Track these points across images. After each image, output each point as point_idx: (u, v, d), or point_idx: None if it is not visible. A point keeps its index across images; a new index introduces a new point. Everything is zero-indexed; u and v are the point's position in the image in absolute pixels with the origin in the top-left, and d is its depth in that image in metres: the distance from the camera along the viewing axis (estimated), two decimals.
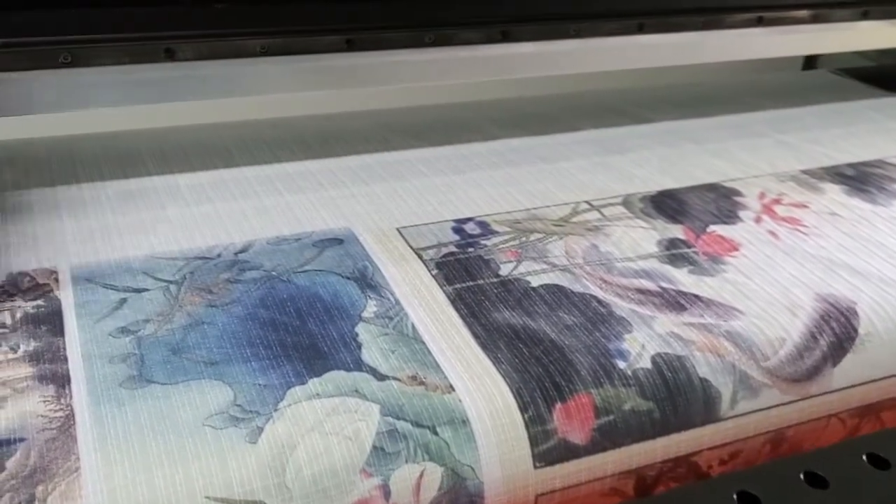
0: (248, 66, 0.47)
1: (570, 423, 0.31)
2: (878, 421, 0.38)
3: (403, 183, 0.49)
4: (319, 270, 0.39)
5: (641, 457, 0.32)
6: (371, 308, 0.36)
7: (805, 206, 0.46)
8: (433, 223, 0.44)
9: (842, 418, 0.37)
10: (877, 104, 0.65)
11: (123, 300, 0.36)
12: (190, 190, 0.48)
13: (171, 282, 0.38)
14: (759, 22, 0.58)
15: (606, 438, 0.32)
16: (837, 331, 0.36)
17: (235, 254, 0.40)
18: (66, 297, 0.36)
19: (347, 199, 0.47)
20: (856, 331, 0.37)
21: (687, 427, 0.33)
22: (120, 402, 0.30)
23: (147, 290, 0.37)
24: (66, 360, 0.32)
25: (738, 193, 0.48)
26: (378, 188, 0.48)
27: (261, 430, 0.29)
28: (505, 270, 0.39)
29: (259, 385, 0.31)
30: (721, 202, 0.47)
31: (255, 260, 0.40)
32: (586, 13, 0.54)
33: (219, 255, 0.40)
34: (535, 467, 0.31)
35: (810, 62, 0.80)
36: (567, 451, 0.31)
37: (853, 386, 0.36)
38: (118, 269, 0.39)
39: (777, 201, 0.47)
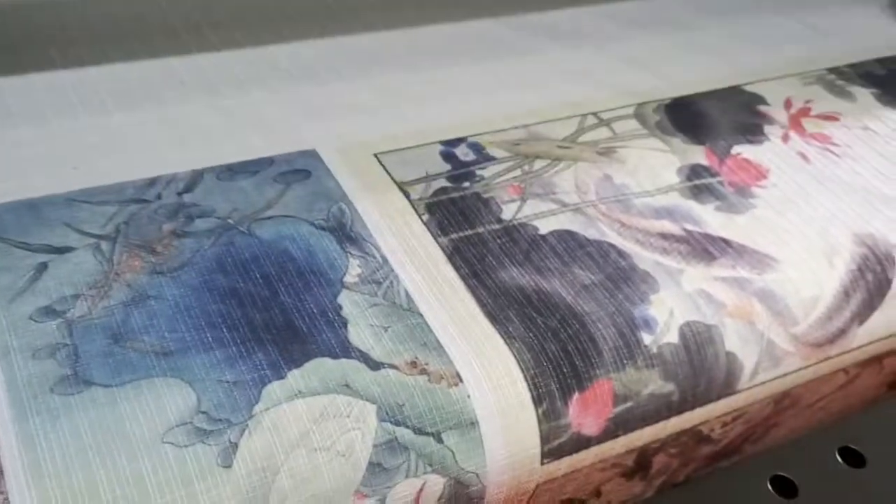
0: None
1: (586, 414, 0.27)
2: (880, 368, 0.36)
3: (367, 84, 0.40)
4: (286, 217, 0.32)
5: (650, 437, 0.29)
6: (354, 270, 0.30)
7: (835, 119, 0.41)
8: (417, 146, 0.37)
9: (847, 370, 0.34)
10: None
11: (43, 266, 0.29)
12: (109, 94, 0.39)
13: (101, 237, 0.31)
14: None
15: (620, 427, 0.28)
16: (871, 285, 0.32)
17: (179, 193, 0.33)
18: None
19: (307, 109, 0.38)
20: (889, 282, 0.33)
21: (703, 404, 0.30)
22: (54, 415, 0.25)
23: (72, 249, 0.30)
24: None
25: (762, 101, 0.42)
26: (340, 91, 0.40)
27: (235, 446, 0.24)
28: (508, 213, 0.33)
29: (227, 383, 0.26)
30: (744, 113, 0.40)
31: (204, 202, 0.33)
32: None
33: (159, 197, 0.33)
34: (543, 463, 0.27)
35: None
36: (578, 444, 0.28)
37: (871, 343, 0.33)
38: (30, 220, 0.31)
39: (805, 112, 0.41)
